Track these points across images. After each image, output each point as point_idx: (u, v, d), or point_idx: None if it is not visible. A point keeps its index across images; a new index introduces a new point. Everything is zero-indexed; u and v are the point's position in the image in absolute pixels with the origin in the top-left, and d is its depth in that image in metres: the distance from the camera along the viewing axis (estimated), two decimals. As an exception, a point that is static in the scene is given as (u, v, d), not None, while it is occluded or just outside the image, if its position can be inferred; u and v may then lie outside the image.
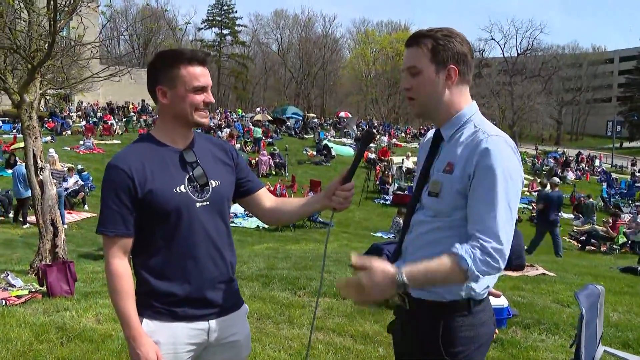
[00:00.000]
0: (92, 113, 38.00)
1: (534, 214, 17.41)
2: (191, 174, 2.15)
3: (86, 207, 17.13)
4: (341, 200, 2.22)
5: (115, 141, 29.45)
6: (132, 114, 38.93)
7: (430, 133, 2.20)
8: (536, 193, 19.96)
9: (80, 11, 8.05)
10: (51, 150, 17.23)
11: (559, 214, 13.98)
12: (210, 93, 2.18)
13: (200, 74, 2.13)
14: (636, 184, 31.30)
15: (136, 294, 2.12)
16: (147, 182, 2.07)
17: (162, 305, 2.12)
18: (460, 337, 1.96)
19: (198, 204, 2.14)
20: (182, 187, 2.12)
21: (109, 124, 32.83)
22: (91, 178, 19.33)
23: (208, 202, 2.17)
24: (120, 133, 32.31)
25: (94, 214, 16.10)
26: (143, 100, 41.46)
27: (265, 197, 2.43)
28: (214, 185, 2.19)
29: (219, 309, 2.21)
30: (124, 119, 36.96)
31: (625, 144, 71.28)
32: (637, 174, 36.18)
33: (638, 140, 73.49)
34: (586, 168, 40.34)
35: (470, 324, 1.97)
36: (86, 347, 4.42)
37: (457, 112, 2.01)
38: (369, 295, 1.80)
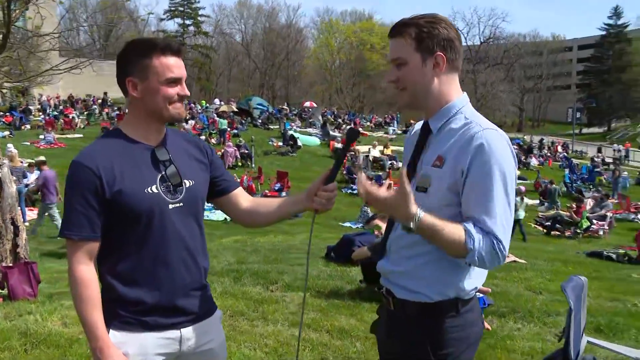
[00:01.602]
0: (49, 107, 36.85)
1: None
2: (164, 173, 2.01)
3: (48, 203, 16.60)
4: (324, 201, 2.10)
5: (77, 135, 28.73)
6: (94, 107, 38.02)
7: (417, 125, 2.10)
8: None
9: (36, 0, 7.73)
10: (9, 145, 16.68)
11: None
12: (184, 85, 2.03)
13: (174, 65, 1.98)
14: (596, 169, 31.97)
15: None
16: (116, 182, 1.92)
17: (130, 314, 1.97)
18: (449, 339, 1.88)
19: (171, 205, 2.00)
20: (153, 188, 1.97)
21: (70, 117, 31.97)
22: (53, 173, 18.78)
23: (181, 203, 2.03)
24: (82, 127, 31.53)
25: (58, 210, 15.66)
26: (105, 93, 40.52)
27: (242, 197, 2.30)
28: (187, 185, 2.06)
29: (192, 316, 2.08)
30: (85, 113, 36.08)
31: (584, 130, 72.93)
32: (596, 159, 37.00)
33: (596, 126, 75.36)
34: (548, 154, 41.04)
35: (458, 325, 1.89)
36: (52, 353, 4.23)
37: (447, 103, 1.91)
38: (380, 202, 1.77)
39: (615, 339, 4.82)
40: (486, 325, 5.05)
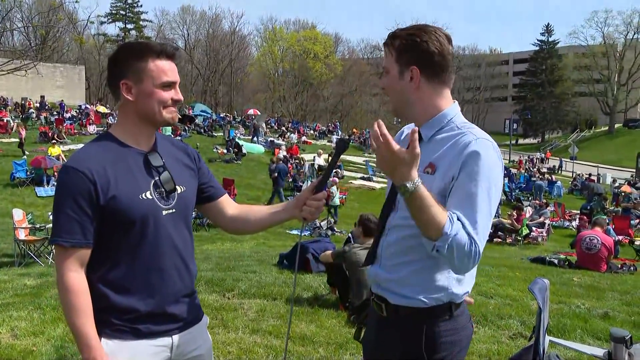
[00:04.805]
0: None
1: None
2: (157, 178, 1.99)
3: (-16, 210, 15.98)
4: (313, 210, 2.11)
5: (13, 139, 27.67)
6: (31, 110, 36.60)
7: (406, 129, 2.16)
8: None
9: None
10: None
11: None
12: (178, 90, 2.03)
13: (169, 69, 1.98)
14: (532, 178, 33.19)
15: None
16: (110, 188, 1.88)
17: (123, 322, 1.93)
18: (443, 343, 1.92)
19: (164, 212, 1.98)
20: (147, 194, 1.95)
21: (5, 120, 30.72)
22: (-12, 179, 18.11)
23: (174, 210, 2.01)
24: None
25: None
26: (42, 97, 39.18)
27: (228, 204, 2.30)
28: (179, 191, 2.04)
29: (182, 322, 2.06)
30: (21, 116, 34.75)
31: (520, 141, 75.81)
32: (532, 169, 38.42)
33: (531, 137, 78.53)
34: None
35: (452, 329, 1.94)
36: (6, 365, 4.07)
37: (438, 113, 1.96)
38: (390, 153, 1.69)
39: (563, 338, 5.02)
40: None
